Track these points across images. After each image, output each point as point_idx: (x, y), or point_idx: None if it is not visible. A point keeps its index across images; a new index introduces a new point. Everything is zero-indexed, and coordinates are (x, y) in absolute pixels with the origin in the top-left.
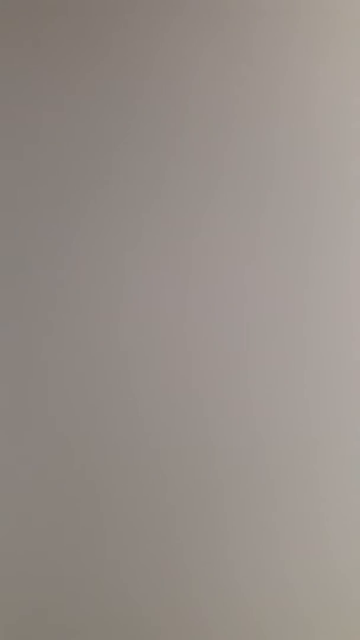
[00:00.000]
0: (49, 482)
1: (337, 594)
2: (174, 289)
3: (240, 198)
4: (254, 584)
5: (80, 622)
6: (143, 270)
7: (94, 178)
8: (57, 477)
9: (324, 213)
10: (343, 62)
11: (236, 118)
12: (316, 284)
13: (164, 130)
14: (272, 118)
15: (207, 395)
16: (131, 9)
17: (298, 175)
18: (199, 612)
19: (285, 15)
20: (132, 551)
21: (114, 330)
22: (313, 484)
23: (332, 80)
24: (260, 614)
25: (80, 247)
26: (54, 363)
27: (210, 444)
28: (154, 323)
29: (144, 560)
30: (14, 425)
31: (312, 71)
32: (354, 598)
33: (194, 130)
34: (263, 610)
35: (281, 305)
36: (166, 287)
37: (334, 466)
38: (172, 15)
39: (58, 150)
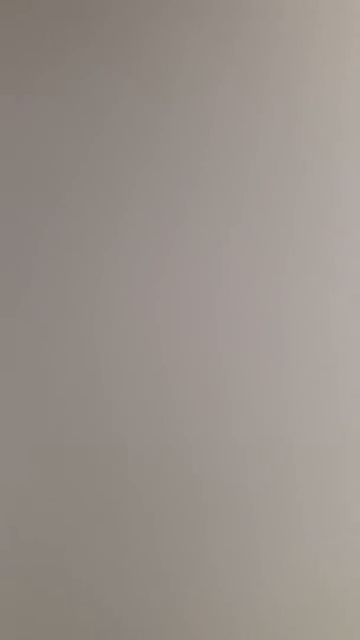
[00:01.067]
0: (48, 483)
1: (321, 599)
2: (170, 288)
3: (230, 189)
4: (239, 589)
5: (73, 620)
6: (139, 272)
7: (91, 177)
8: (55, 477)
9: (316, 201)
10: (335, 52)
11: (227, 105)
12: (312, 284)
13: (155, 117)
14: (264, 111)
15: (200, 397)
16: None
17: (290, 171)
18: (186, 614)
19: (277, 5)
20: (126, 552)
21: (111, 329)
22: (299, 489)
23: (323, 70)
24: (246, 619)
25: (77, 244)
26: (54, 361)
27: (200, 446)
28: (142, 319)
29: (135, 562)
30: (13, 425)
31: (303, 63)
32: (338, 603)
33: (186, 124)
34: (248, 616)
35: (278, 308)
36: (163, 286)
37: (322, 471)
38: (167, 9)
39: (54, 147)
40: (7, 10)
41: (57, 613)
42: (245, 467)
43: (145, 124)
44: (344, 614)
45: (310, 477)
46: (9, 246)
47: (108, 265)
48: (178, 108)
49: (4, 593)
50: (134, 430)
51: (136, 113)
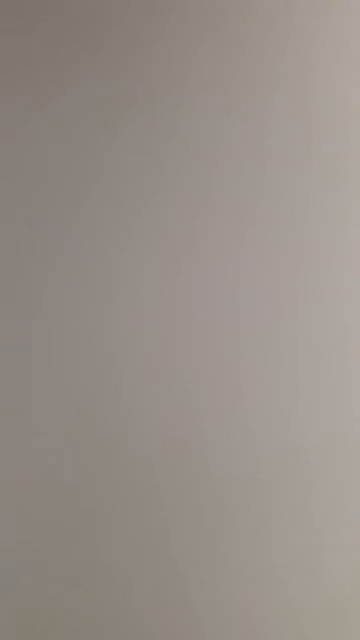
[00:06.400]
0: (46, 483)
1: (333, 598)
2: (170, 283)
3: (237, 192)
4: (250, 587)
5: (76, 621)
6: (139, 265)
7: (90, 173)
8: (54, 478)
9: (323, 207)
10: (342, 52)
11: (234, 110)
12: (314, 280)
13: (161, 123)
14: (270, 111)
15: (203, 395)
16: (129, 3)
17: (296, 170)
18: (194, 612)
19: (284, 6)
20: (129, 551)
21: (110, 326)
22: (310, 488)
23: (330, 70)
24: (257, 618)
25: (76, 240)
26: (52, 360)
27: (206, 445)
28: (150, 320)
29: (140, 561)
30: (11, 425)
31: (311, 60)
32: (351, 603)
33: (191, 124)
34: (259, 615)
35: (279, 304)
36: (163, 282)
37: (332, 470)
38: (170, 9)
39: (55, 143)
40: (11, 26)
41: (59, 606)
42: (257, 466)
43: (154, 133)
44: (352, 612)
45: (323, 471)
46: (21, 248)
47: (117, 270)
48: (185, 117)
49: (6, 589)
50: (143, 427)
51: (143, 122)
